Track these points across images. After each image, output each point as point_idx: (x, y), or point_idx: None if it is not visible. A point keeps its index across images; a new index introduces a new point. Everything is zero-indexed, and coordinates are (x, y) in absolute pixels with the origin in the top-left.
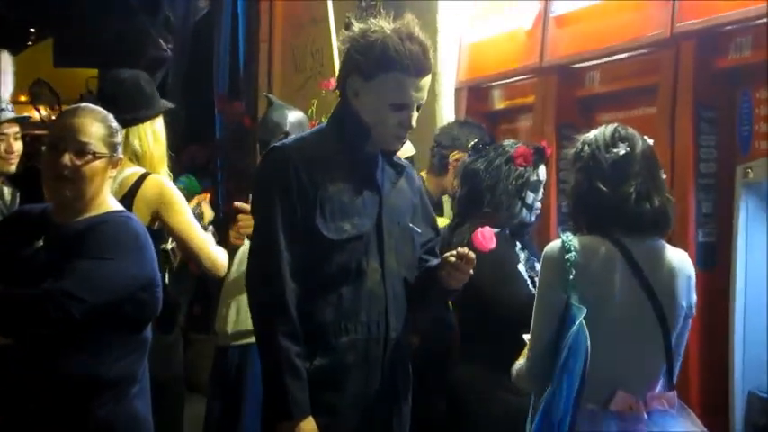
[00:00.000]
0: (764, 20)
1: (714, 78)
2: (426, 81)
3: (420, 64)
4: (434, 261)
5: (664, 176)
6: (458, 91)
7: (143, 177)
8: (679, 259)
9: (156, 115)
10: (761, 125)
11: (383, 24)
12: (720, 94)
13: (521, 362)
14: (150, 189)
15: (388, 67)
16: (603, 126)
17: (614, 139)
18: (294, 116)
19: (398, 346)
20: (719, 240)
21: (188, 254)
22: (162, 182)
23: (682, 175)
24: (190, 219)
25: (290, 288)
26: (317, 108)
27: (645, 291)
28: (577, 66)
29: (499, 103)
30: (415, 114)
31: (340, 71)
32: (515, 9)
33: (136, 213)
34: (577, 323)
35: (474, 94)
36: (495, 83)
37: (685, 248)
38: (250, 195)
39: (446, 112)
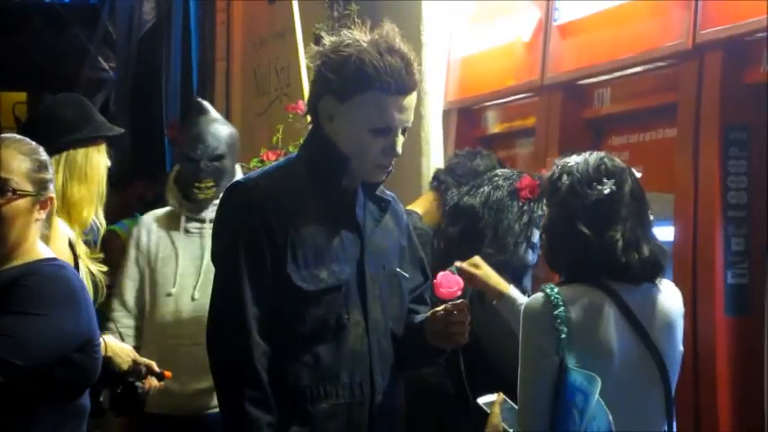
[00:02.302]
0: None
1: (744, 94)
2: (411, 100)
3: (402, 80)
4: (423, 314)
5: (651, 218)
6: (446, 113)
7: None
8: (673, 300)
9: (78, 143)
10: None
11: (358, 36)
12: (751, 112)
13: None
14: None
15: (365, 85)
16: (588, 153)
17: (599, 173)
18: (231, 133)
19: (386, 409)
20: (752, 282)
21: None
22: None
23: (707, 206)
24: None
25: (258, 348)
26: (283, 135)
27: (644, 344)
28: (585, 82)
29: (495, 127)
30: (401, 139)
31: (311, 93)
32: (512, 18)
33: None
34: (594, 398)
35: (465, 116)
36: (490, 103)
37: (712, 292)
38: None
39: (433, 138)
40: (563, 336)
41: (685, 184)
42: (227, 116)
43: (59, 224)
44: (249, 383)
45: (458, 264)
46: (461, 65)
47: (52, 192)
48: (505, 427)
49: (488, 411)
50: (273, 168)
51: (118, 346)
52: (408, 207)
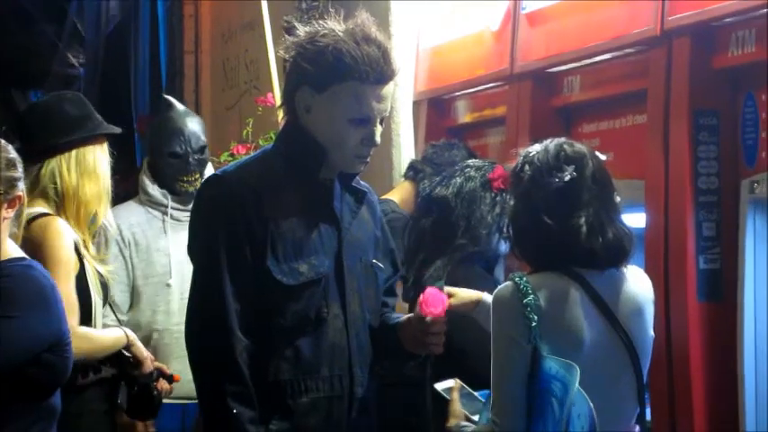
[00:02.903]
0: None
1: (712, 80)
2: (389, 89)
3: (380, 70)
4: (397, 313)
5: (618, 200)
6: (416, 104)
7: (34, 219)
8: (642, 285)
9: (87, 141)
10: None
11: (333, 26)
12: (720, 97)
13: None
14: (33, 233)
15: (343, 75)
16: (549, 141)
17: (559, 160)
18: (203, 124)
19: (364, 402)
20: (725, 267)
21: None
22: (49, 225)
23: (678, 192)
24: (64, 280)
25: (240, 343)
26: (253, 128)
27: (613, 329)
28: (554, 70)
29: (465, 117)
30: (379, 128)
31: (286, 84)
32: (480, 7)
33: None
34: (575, 387)
35: (435, 106)
36: (460, 93)
37: (684, 277)
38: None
39: (404, 129)
40: (533, 324)
41: (656, 171)
42: (197, 110)
43: (58, 221)
44: (231, 379)
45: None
46: (431, 55)
47: (21, 190)
48: (467, 413)
49: (447, 397)
50: (250, 161)
51: (140, 348)
52: (384, 196)
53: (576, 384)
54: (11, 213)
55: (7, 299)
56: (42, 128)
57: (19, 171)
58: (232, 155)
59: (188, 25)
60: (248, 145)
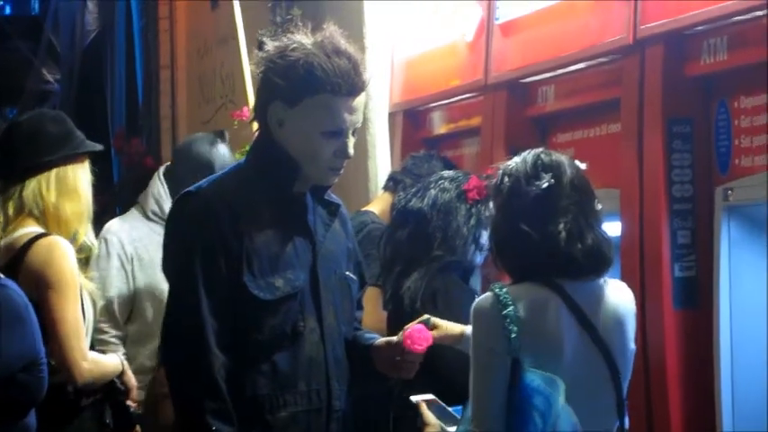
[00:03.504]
0: (741, 18)
1: (685, 88)
2: (360, 100)
3: (352, 81)
4: (369, 333)
5: (599, 207)
6: (392, 115)
7: (36, 239)
8: (623, 297)
9: (68, 159)
10: (741, 139)
11: (302, 40)
12: (693, 105)
13: None
14: (37, 254)
15: (315, 89)
16: (527, 152)
17: (537, 169)
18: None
19: (342, 415)
20: (700, 274)
21: (53, 345)
22: (55, 246)
23: (653, 200)
24: (73, 303)
25: (218, 360)
26: (229, 142)
27: (593, 341)
28: (528, 80)
29: (440, 128)
30: (352, 140)
31: (257, 99)
32: (454, 18)
33: (22, 283)
34: (559, 402)
35: (411, 118)
36: (435, 104)
37: (660, 286)
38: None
39: (379, 141)
40: (513, 335)
41: (630, 179)
42: (174, 125)
43: (61, 241)
44: (209, 395)
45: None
46: (405, 67)
47: None
48: (443, 426)
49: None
50: (223, 176)
51: (131, 376)
52: (364, 208)
53: (561, 399)
54: None
55: None
56: (23, 147)
57: None
58: None
59: (163, 40)
60: None
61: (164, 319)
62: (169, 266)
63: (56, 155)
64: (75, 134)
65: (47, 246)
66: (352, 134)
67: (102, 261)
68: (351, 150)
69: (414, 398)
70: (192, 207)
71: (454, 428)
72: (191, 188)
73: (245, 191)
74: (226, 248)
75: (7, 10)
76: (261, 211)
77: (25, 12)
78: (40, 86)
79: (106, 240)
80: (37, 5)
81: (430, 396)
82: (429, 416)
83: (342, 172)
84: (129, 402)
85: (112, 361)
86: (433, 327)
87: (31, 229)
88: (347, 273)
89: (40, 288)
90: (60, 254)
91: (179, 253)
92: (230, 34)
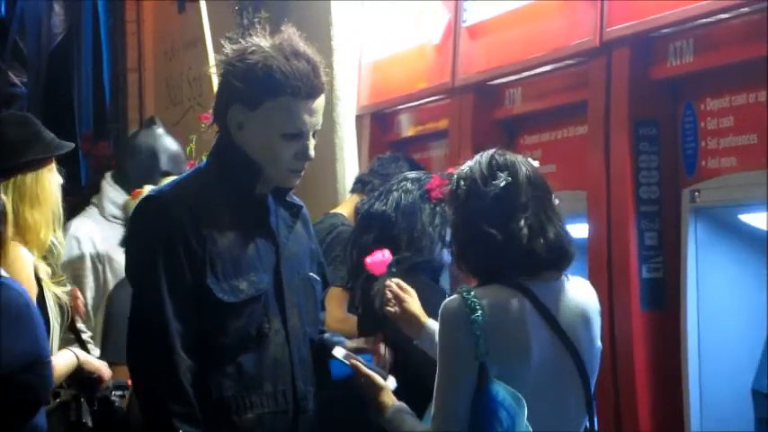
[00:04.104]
0: (707, 20)
1: (652, 90)
2: (320, 102)
3: (311, 84)
4: (332, 335)
5: (557, 202)
6: (359, 118)
7: None
8: (587, 296)
9: (27, 166)
10: (708, 141)
11: (261, 42)
12: (660, 107)
13: None
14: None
15: (275, 91)
16: (479, 155)
17: (492, 169)
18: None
19: (309, 415)
20: (668, 276)
21: None
22: (11, 253)
23: (620, 202)
24: None
25: (183, 363)
26: (196, 144)
27: (560, 340)
28: (495, 83)
29: (408, 130)
30: (312, 142)
31: (217, 102)
32: (421, 20)
33: None
34: (523, 421)
35: (378, 120)
36: (402, 107)
37: (627, 287)
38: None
39: (347, 143)
40: (480, 339)
41: (597, 181)
42: (141, 127)
43: (21, 249)
44: (175, 399)
45: (393, 281)
46: (373, 69)
47: None
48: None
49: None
50: (184, 179)
51: (92, 361)
52: (333, 210)
53: (524, 418)
54: None
55: None
56: None
57: None
58: None
59: (131, 43)
60: (192, 161)
61: (128, 322)
62: (132, 270)
63: (13, 162)
64: (41, 136)
65: (4, 253)
66: (313, 136)
67: (77, 261)
68: (312, 152)
69: (335, 351)
70: (153, 210)
71: (393, 382)
72: (151, 191)
73: (206, 194)
74: (188, 252)
75: None
76: (223, 214)
77: None
78: (7, 89)
79: (78, 240)
80: (2, 8)
81: (344, 351)
82: (364, 369)
83: (302, 174)
84: (113, 398)
85: (63, 358)
86: (403, 289)
87: None
88: (311, 274)
89: None
90: (16, 261)
91: (142, 257)
92: (197, 37)
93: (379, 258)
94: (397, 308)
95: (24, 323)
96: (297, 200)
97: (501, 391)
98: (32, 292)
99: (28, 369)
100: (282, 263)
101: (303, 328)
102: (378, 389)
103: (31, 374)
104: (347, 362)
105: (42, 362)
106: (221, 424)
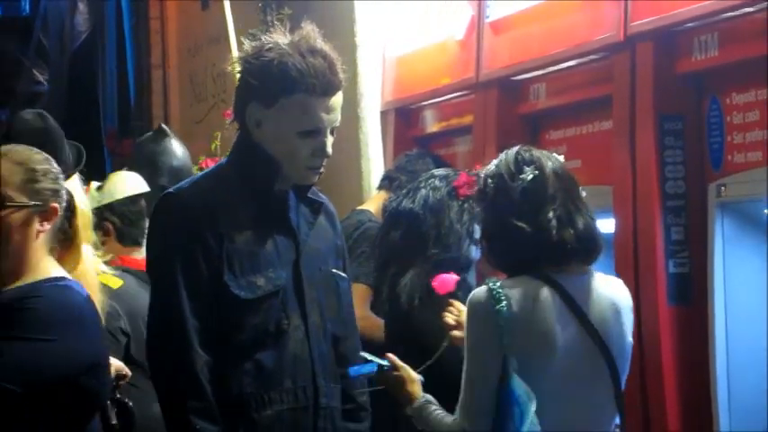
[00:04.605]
0: (732, 14)
1: (677, 84)
2: (337, 99)
3: (327, 81)
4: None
5: (584, 194)
6: (384, 114)
7: None
8: (618, 291)
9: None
10: (734, 135)
11: (278, 39)
12: (685, 102)
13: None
14: None
15: (290, 89)
16: (504, 153)
17: (518, 164)
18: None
19: (330, 412)
20: (694, 270)
21: None
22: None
23: (646, 197)
24: None
25: (200, 359)
26: (221, 141)
27: (589, 334)
28: (519, 78)
29: (432, 126)
30: (330, 139)
31: (236, 100)
32: (445, 16)
33: None
34: (528, 417)
35: (402, 116)
36: (427, 102)
37: (654, 282)
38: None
39: (371, 139)
40: (506, 331)
41: (623, 176)
42: (166, 123)
43: (86, 249)
44: (193, 395)
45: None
46: (397, 65)
47: (57, 202)
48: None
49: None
50: (203, 177)
51: (115, 360)
52: (361, 207)
53: (531, 416)
54: (46, 226)
55: (41, 320)
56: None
57: (51, 182)
58: (201, 168)
59: (154, 40)
60: (217, 158)
61: (147, 319)
62: (151, 267)
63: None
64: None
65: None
66: (331, 133)
67: None
68: (329, 149)
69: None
70: (171, 208)
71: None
72: (170, 189)
73: (225, 191)
74: (206, 248)
75: None
76: (241, 211)
77: (16, 12)
78: (32, 87)
79: None
80: (28, 6)
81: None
82: (398, 361)
83: (322, 170)
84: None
85: None
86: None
87: None
88: (334, 270)
89: None
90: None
91: (160, 254)
92: (221, 34)
93: (446, 278)
94: (457, 331)
95: (86, 327)
96: (321, 197)
97: (518, 387)
98: (95, 293)
99: (90, 372)
100: (302, 259)
101: (324, 324)
102: (408, 380)
103: (93, 378)
104: (371, 357)
105: (101, 364)
106: (241, 421)
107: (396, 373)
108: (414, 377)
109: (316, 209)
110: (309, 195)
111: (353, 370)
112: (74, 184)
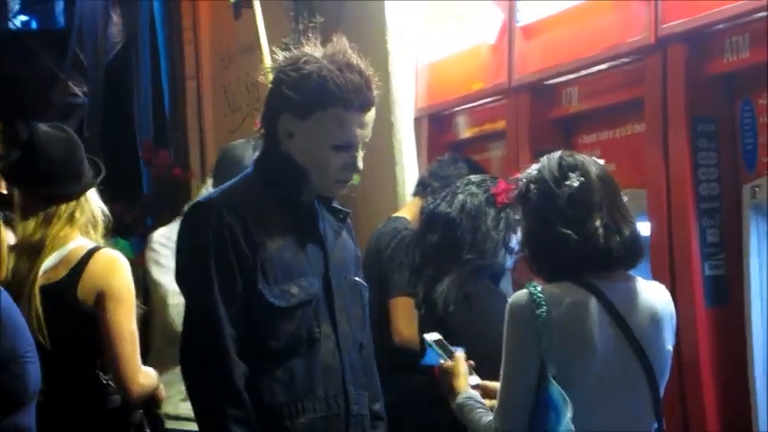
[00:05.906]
0: (763, 14)
1: (709, 86)
2: (371, 115)
3: (363, 97)
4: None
5: (626, 199)
6: (417, 120)
7: (94, 251)
8: (660, 298)
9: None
10: (767, 136)
11: (314, 52)
12: (717, 103)
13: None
14: (100, 266)
15: (327, 103)
16: (545, 157)
17: (563, 170)
18: None
19: (360, 419)
20: (730, 272)
21: (109, 357)
22: (116, 262)
23: (680, 199)
24: (132, 315)
25: (239, 368)
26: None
27: (628, 341)
28: (552, 82)
29: (466, 132)
30: (361, 154)
31: (266, 110)
32: (476, 21)
33: (80, 293)
34: (564, 423)
35: (436, 122)
36: (459, 108)
37: (690, 284)
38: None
39: (405, 146)
40: (544, 336)
41: (657, 179)
42: (201, 134)
43: (126, 261)
44: (231, 403)
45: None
46: (429, 71)
47: None
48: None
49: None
50: (232, 186)
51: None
52: (396, 214)
53: (566, 422)
54: None
55: None
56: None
57: None
58: None
59: (188, 51)
60: None
61: (182, 328)
62: (184, 276)
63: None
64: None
65: (108, 259)
66: (362, 148)
67: (158, 272)
68: (360, 164)
69: (427, 336)
70: (204, 216)
71: (476, 379)
72: (200, 198)
73: (254, 199)
74: (239, 257)
75: (33, 25)
76: (272, 219)
77: (51, 25)
78: (67, 100)
79: (159, 250)
80: (62, 19)
81: (437, 336)
82: (460, 374)
83: (348, 184)
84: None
85: (154, 372)
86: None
87: (82, 241)
88: (356, 279)
89: (101, 300)
90: (122, 266)
91: (194, 263)
92: (253, 42)
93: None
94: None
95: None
96: (344, 207)
97: (555, 392)
98: (134, 300)
99: (2, 367)
100: (331, 268)
101: (352, 333)
102: (456, 374)
103: (4, 373)
104: (437, 347)
105: (17, 359)
106: (274, 429)
107: (448, 363)
108: (462, 372)
109: (341, 218)
110: (334, 205)
111: (428, 358)
112: (91, 196)
